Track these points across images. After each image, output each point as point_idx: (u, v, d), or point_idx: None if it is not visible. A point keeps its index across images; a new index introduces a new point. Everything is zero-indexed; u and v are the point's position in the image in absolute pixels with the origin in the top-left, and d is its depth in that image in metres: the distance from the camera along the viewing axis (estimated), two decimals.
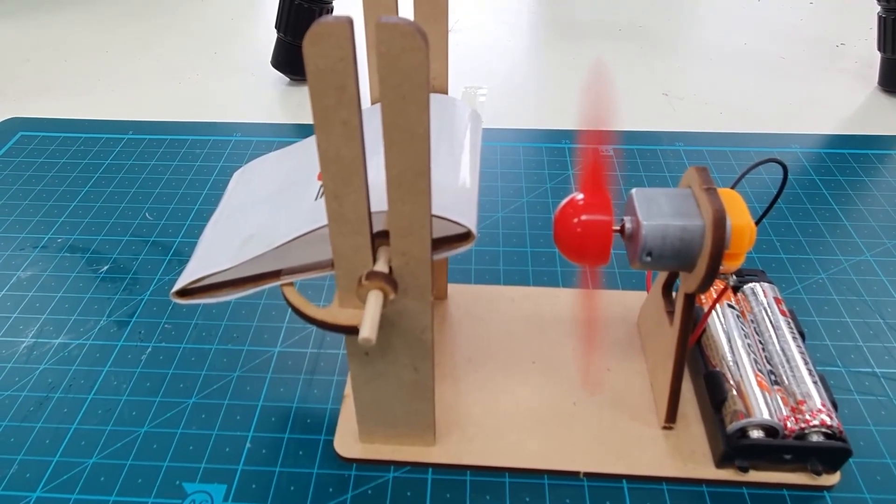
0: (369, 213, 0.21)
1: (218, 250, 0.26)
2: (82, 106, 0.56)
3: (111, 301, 0.37)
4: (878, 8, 0.54)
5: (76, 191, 0.45)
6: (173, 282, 0.38)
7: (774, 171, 0.46)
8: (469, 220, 0.23)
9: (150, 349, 0.35)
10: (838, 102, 0.56)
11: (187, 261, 0.39)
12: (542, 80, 0.60)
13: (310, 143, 0.30)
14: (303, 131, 0.52)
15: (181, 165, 0.48)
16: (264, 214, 0.26)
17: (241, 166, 0.47)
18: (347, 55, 0.18)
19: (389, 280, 0.22)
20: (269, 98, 0.57)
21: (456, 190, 0.24)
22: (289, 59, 0.57)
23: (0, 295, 0.38)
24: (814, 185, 0.45)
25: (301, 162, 0.28)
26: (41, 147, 0.50)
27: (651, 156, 0.48)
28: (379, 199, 0.22)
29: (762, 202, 0.43)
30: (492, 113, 0.55)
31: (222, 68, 0.62)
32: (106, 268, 0.39)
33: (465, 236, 0.23)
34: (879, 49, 0.55)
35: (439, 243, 0.24)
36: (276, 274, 0.25)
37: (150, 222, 0.43)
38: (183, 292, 0.26)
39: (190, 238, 0.41)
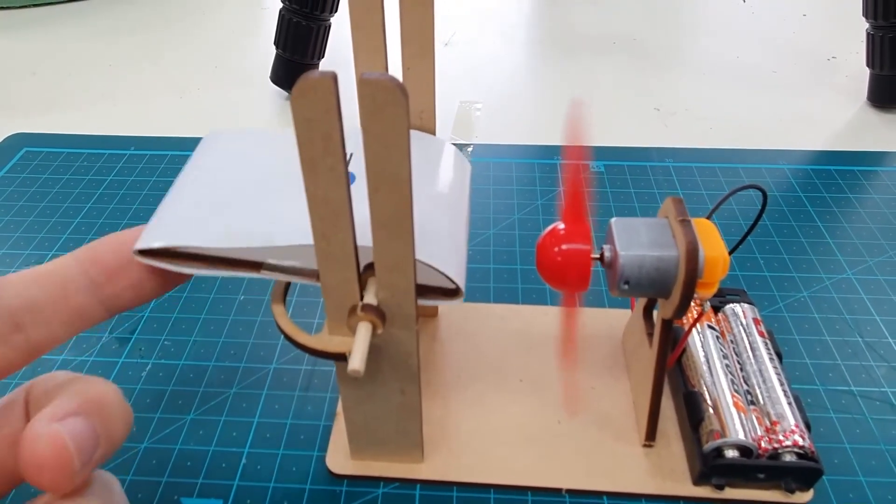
0: (356, 250, 0.22)
1: (197, 221, 0.25)
2: (86, 120, 0.57)
3: (112, 318, 0.38)
4: (867, 25, 0.55)
5: (79, 207, 0.47)
6: (174, 298, 0.40)
7: (768, 189, 0.47)
8: (455, 273, 0.24)
9: (150, 366, 0.36)
10: (827, 117, 0.57)
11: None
12: (536, 93, 0.61)
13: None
14: None
15: None
16: (254, 204, 0.26)
17: None
18: (332, 107, 0.19)
19: (378, 312, 0.23)
20: (268, 113, 0.59)
21: (441, 237, 0.25)
22: (287, 75, 0.58)
23: None
24: (799, 203, 0.46)
25: (294, 156, 0.27)
26: (45, 163, 0.51)
27: (641, 172, 0.49)
28: (365, 235, 0.23)
29: (748, 219, 0.44)
30: (486, 128, 0.56)
31: (223, 82, 0.63)
32: None
33: (455, 292, 0.24)
34: (868, 65, 0.56)
35: (425, 290, 0.25)
36: (256, 266, 0.25)
37: None
38: (146, 252, 0.24)
39: None
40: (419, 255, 0.23)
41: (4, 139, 0.54)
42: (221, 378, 0.35)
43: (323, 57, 0.59)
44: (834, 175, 0.49)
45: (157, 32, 0.73)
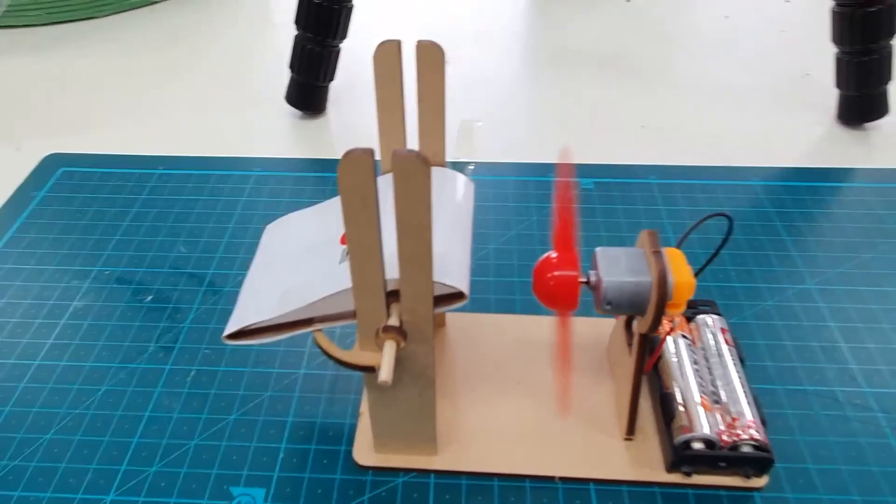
0: (384, 281, 0.27)
1: (259, 301, 0.32)
2: (113, 139, 0.62)
3: (157, 328, 0.43)
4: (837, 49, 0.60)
5: (117, 225, 0.51)
6: (210, 310, 0.45)
7: (741, 205, 0.52)
8: (462, 285, 0.29)
9: (193, 372, 0.41)
10: (799, 133, 0.62)
11: (220, 291, 0.45)
12: (530, 111, 0.66)
13: (329, 207, 0.36)
14: (317, 166, 0.58)
15: (209, 200, 0.53)
16: (297, 272, 0.32)
17: (260, 200, 0.53)
18: (369, 175, 0.24)
19: (401, 332, 0.28)
20: (284, 131, 0.63)
21: (453, 257, 0.30)
22: (302, 98, 0.63)
23: (62, 323, 0.44)
24: (768, 218, 0.51)
25: (325, 225, 0.34)
26: (82, 183, 0.56)
27: (626, 189, 0.54)
28: (391, 267, 0.28)
29: (721, 234, 0.49)
30: (485, 145, 0.61)
31: (240, 100, 0.68)
32: (150, 298, 0.45)
33: (460, 296, 0.29)
34: (837, 86, 0.61)
35: (438, 300, 0.30)
36: (308, 322, 0.31)
37: (185, 255, 0.49)
38: (233, 335, 0.32)
39: (221, 270, 0.47)
40: (436, 277, 0.28)
41: (42, 159, 0.58)
42: (257, 382, 0.40)
43: (333, 79, 0.64)
44: (801, 191, 0.54)
45: (174, 49, 0.77)
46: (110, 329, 0.43)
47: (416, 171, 0.23)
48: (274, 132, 0.63)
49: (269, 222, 0.37)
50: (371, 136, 0.62)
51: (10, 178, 0.56)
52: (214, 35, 0.81)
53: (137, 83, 0.71)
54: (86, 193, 0.55)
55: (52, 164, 0.58)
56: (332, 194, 0.54)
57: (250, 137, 0.62)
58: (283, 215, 0.38)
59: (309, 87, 0.62)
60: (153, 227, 0.51)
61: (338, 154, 0.60)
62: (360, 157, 0.23)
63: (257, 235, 0.50)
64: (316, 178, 0.56)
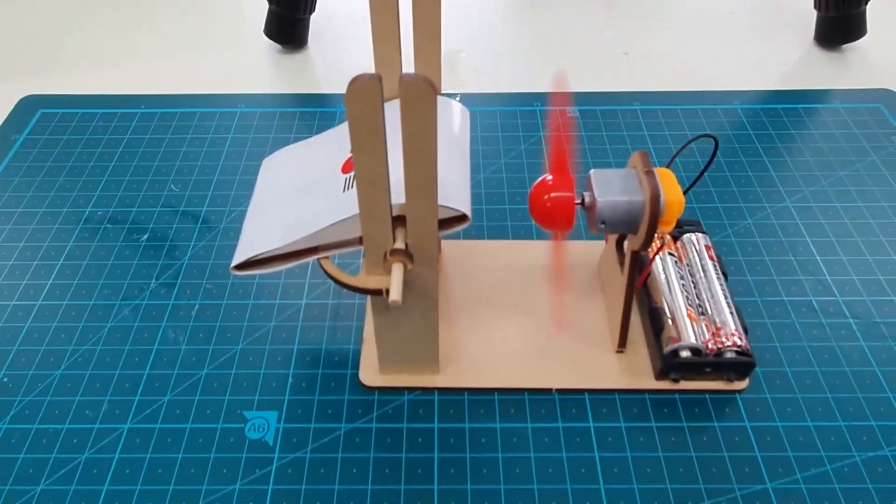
0: (390, 207, 0.28)
1: (264, 232, 0.33)
2: (91, 81, 0.60)
3: (156, 266, 0.44)
4: None
5: (104, 166, 0.51)
6: (207, 247, 0.45)
7: (722, 128, 0.53)
8: (465, 207, 0.30)
9: (197, 306, 0.42)
10: (779, 58, 0.62)
11: (216, 228, 0.46)
12: (514, 40, 0.66)
13: (329, 137, 0.36)
14: (303, 101, 0.57)
15: (195, 138, 0.53)
16: (301, 203, 0.33)
17: (248, 137, 0.53)
18: (377, 103, 0.24)
19: (408, 255, 0.30)
20: (265, 67, 0.62)
21: (454, 182, 0.31)
22: (281, 30, 0.62)
23: (60, 264, 0.44)
24: (749, 140, 0.52)
25: (324, 155, 0.35)
26: (63, 124, 0.55)
27: (612, 116, 0.55)
28: (396, 192, 0.28)
29: (705, 158, 0.50)
30: (470, 75, 0.61)
31: (217, 38, 0.66)
32: (146, 237, 0.46)
33: (462, 218, 0.31)
34: (815, 7, 0.62)
35: (442, 223, 0.31)
36: (314, 250, 0.32)
37: (177, 193, 0.49)
38: (239, 266, 0.33)
39: (214, 207, 0.48)
40: (440, 200, 0.29)
41: (19, 101, 0.57)
42: (261, 314, 0.41)
43: (314, 11, 0.62)
44: (780, 113, 0.55)
45: None
46: (109, 268, 0.44)
47: (423, 97, 0.24)
48: (255, 68, 0.62)
49: (260, 158, 0.38)
50: (356, 69, 0.61)
51: None
52: None
53: (109, 22, 0.69)
54: (68, 135, 0.54)
55: (29, 106, 0.56)
56: (321, 129, 0.54)
57: (231, 74, 0.61)
58: (272, 151, 0.38)
59: (289, 20, 0.61)
60: (141, 167, 0.51)
61: (324, 89, 0.59)
62: (367, 84, 0.24)
63: (248, 172, 0.50)
64: (303, 114, 0.56)
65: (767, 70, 0.61)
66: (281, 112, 0.56)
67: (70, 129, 0.54)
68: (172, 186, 0.49)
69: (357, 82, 0.24)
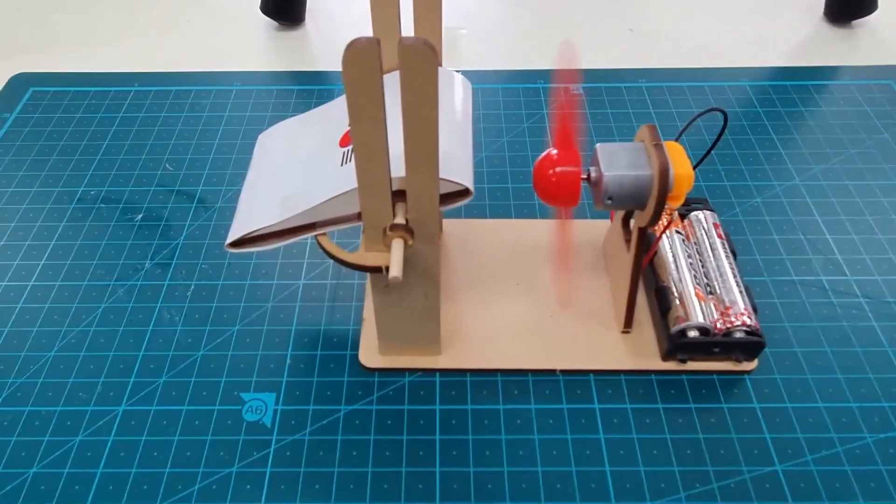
0: (390, 180, 0.27)
1: (260, 208, 0.32)
2: (82, 58, 0.59)
3: (151, 246, 0.43)
4: None
5: (97, 144, 0.50)
6: (203, 227, 0.44)
7: (730, 105, 0.52)
8: (467, 181, 0.29)
9: (192, 287, 0.41)
10: (787, 33, 0.61)
11: (212, 207, 0.45)
12: (516, 17, 0.64)
13: (327, 111, 0.35)
14: (300, 78, 0.56)
15: (190, 116, 0.52)
16: (298, 177, 0.31)
17: (244, 115, 0.52)
18: (375, 68, 0.23)
19: (408, 230, 0.28)
20: (261, 44, 0.61)
21: (456, 154, 0.30)
22: (277, 6, 0.60)
23: (52, 244, 0.43)
24: (757, 117, 0.51)
25: (322, 129, 0.33)
26: (54, 102, 0.53)
27: (616, 93, 0.54)
28: (395, 166, 0.27)
29: (712, 135, 0.49)
30: (470, 52, 0.59)
31: (212, 14, 0.65)
32: (140, 216, 0.45)
33: (464, 193, 0.29)
34: None
35: (444, 198, 0.30)
36: (311, 226, 0.31)
37: (172, 172, 0.48)
38: (234, 243, 0.32)
39: (210, 186, 0.46)
40: (442, 174, 0.28)
41: (10, 79, 0.55)
42: (258, 294, 0.40)
43: None
44: (789, 90, 0.54)
45: None
46: (103, 248, 0.43)
47: (424, 61, 0.23)
48: (251, 45, 0.61)
49: (256, 137, 0.37)
50: None
51: None
52: None
53: (102, 0, 0.67)
54: (60, 113, 0.52)
55: (20, 84, 0.55)
56: (318, 106, 0.53)
57: (227, 51, 0.60)
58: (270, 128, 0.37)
59: None
60: (135, 146, 0.50)
61: (321, 66, 0.58)
62: (365, 48, 0.22)
63: (245, 151, 0.49)
64: (300, 91, 0.54)
65: (776, 46, 0.59)
66: (278, 90, 0.54)
67: (62, 108, 0.53)
68: (167, 165, 0.48)
69: (354, 46, 0.22)
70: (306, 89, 0.55)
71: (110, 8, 0.66)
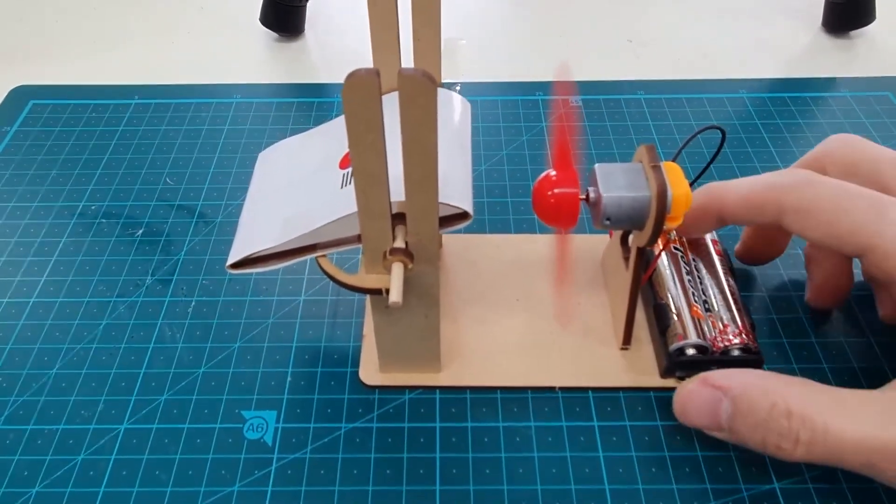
0: (390, 205, 0.27)
1: (260, 229, 0.32)
2: (82, 70, 0.59)
3: (152, 262, 0.43)
4: None
5: (98, 158, 0.50)
6: (204, 242, 0.44)
7: (728, 117, 0.52)
8: (466, 204, 0.29)
9: (193, 303, 0.41)
10: (786, 43, 0.61)
11: (213, 222, 0.45)
12: (515, 27, 0.64)
13: (327, 130, 0.35)
14: (301, 91, 0.56)
15: (190, 130, 0.52)
16: (298, 199, 0.32)
17: (244, 128, 0.52)
18: (375, 97, 0.23)
19: (408, 254, 0.29)
20: (261, 55, 0.61)
21: (455, 178, 0.30)
22: (278, 18, 0.60)
23: (53, 260, 0.43)
24: (755, 129, 0.51)
25: (322, 149, 0.34)
26: (54, 115, 0.53)
27: (615, 105, 0.54)
28: (395, 189, 0.28)
29: (711, 148, 0.49)
30: (469, 64, 0.60)
31: (211, 25, 0.65)
32: (141, 231, 0.45)
33: (464, 216, 0.30)
34: None
35: (443, 221, 0.30)
36: (312, 247, 0.31)
37: (172, 187, 0.48)
38: (235, 265, 0.32)
39: (210, 201, 0.47)
40: (440, 198, 0.28)
41: (9, 92, 0.56)
42: (258, 310, 0.40)
43: None
44: (787, 102, 0.54)
45: None
46: (104, 264, 0.43)
47: (423, 92, 0.23)
48: (251, 57, 0.61)
49: (256, 150, 0.37)
50: (354, 57, 0.60)
51: None
52: None
53: (102, 9, 0.67)
54: (60, 126, 0.53)
55: (20, 97, 0.55)
56: (319, 120, 0.53)
57: (226, 63, 0.60)
58: (270, 143, 0.37)
59: (285, 7, 0.59)
60: (135, 160, 0.50)
61: (322, 78, 0.58)
62: (365, 79, 0.23)
63: (245, 164, 0.49)
64: (300, 104, 0.55)
65: (774, 57, 0.60)
66: (277, 102, 0.55)
67: (62, 121, 0.53)
68: (168, 180, 0.48)
69: (354, 78, 0.23)
70: (306, 101, 0.55)
71: (112, 18, 0.66)
